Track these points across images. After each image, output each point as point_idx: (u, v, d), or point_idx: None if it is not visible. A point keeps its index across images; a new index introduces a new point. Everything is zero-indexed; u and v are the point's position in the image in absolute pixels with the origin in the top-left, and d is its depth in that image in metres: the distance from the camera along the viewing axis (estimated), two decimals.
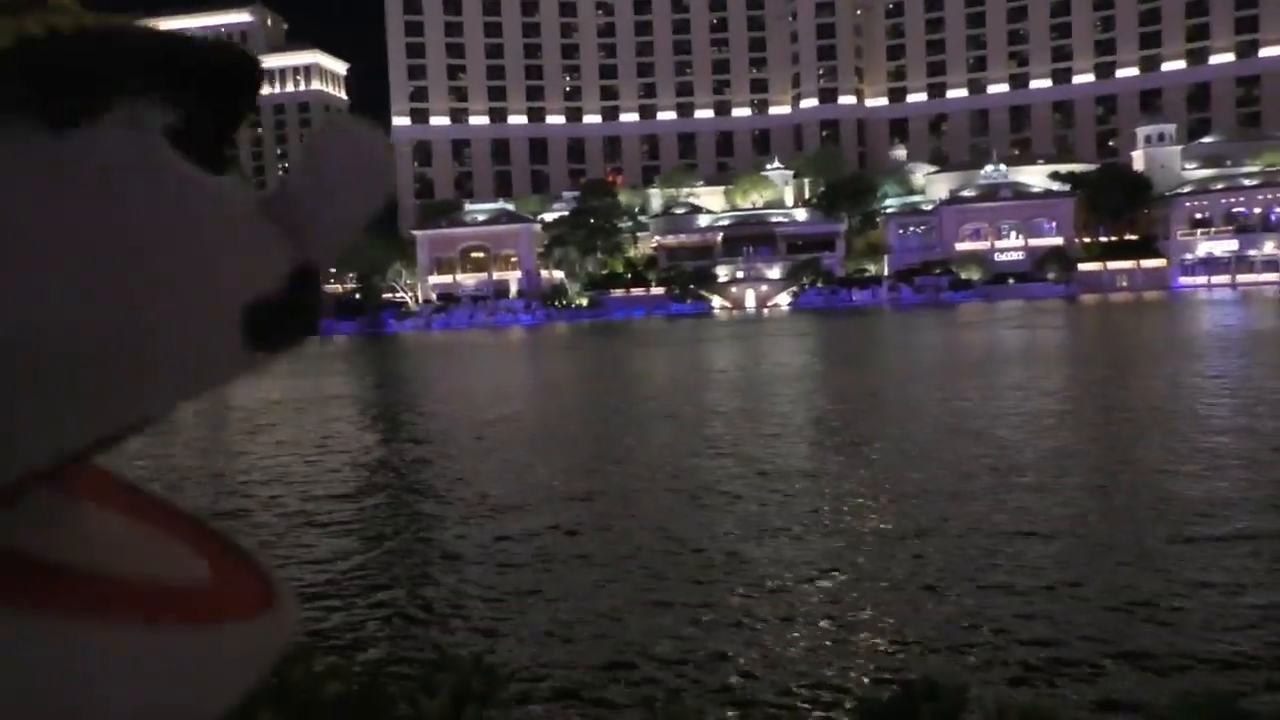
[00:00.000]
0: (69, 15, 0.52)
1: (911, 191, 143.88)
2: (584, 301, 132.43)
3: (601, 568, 12.49)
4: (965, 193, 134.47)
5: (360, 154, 0.61)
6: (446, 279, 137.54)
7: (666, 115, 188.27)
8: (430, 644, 9.66)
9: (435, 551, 13.94)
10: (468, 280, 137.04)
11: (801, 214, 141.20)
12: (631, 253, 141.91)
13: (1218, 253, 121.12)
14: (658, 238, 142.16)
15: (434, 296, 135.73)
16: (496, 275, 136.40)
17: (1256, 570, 11.22)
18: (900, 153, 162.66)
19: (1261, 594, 10.43)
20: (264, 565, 0.65)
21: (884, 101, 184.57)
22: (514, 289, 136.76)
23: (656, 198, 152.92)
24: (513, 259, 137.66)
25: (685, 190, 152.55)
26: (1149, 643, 9.23)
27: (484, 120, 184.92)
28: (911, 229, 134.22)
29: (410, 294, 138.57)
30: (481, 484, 18.74)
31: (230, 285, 0.54)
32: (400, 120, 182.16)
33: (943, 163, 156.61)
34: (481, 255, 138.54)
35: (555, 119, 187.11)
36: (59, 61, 0.49)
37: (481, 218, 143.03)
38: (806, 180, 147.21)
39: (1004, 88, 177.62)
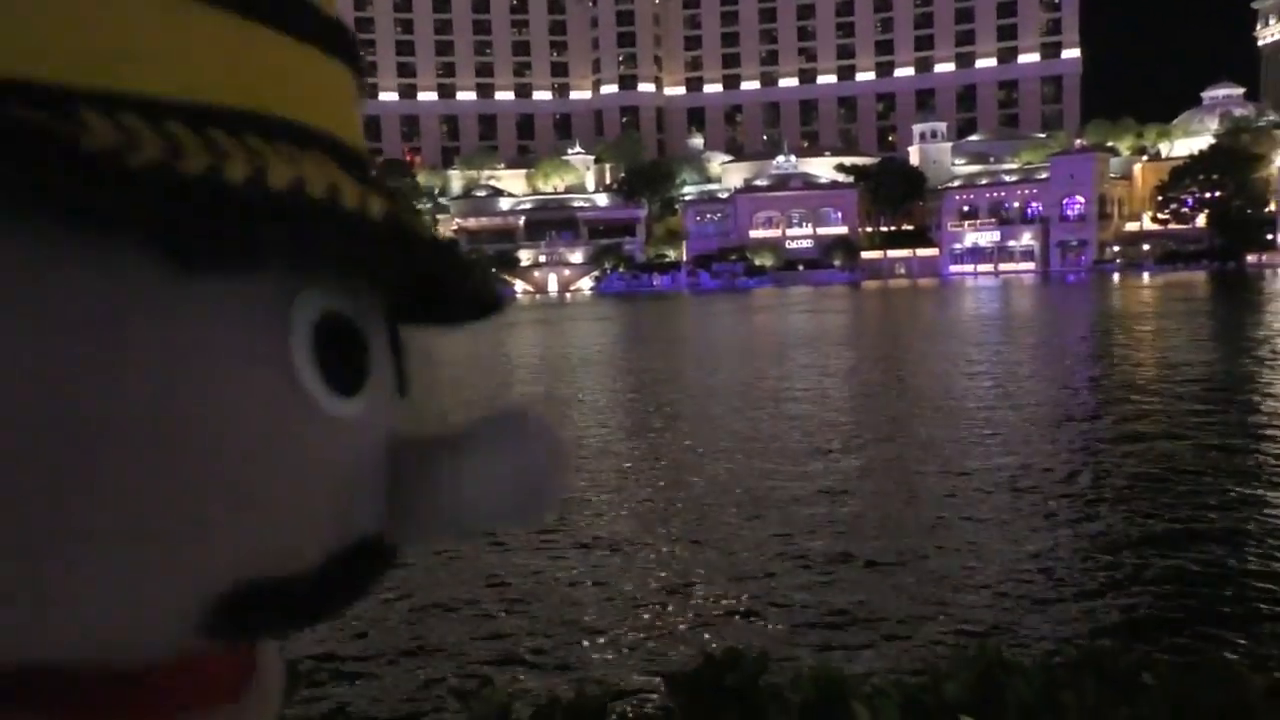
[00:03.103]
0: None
1: (708, 179, 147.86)
2: None
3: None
4: (758, 182, 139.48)
5: (535, 460, 0.50)
6: None
7: (466, 95, 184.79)
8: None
9: None
10: None
11: (603, 199, 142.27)
12: None
13: (983, 243, 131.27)
14: (458, 220, 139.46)
15: None
16: None
17: (1013, 521, 11.98)
18: (698, 141, 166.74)
19: (1016, 547, 11.10)
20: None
21: (682, 90, 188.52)
22: None
23: (457, 179, 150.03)
24: None
25: (486, 172, 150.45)
26: (920, 594, 9.60)
27: None
28: (708, 216, 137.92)
29: None
30: None
31: (246, 555, 0.43)
32: None
33: (738, 152, 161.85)
34: None
35: None
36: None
37: None
38: (608, 165, 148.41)
39: (794, 82, 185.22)
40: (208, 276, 0.40)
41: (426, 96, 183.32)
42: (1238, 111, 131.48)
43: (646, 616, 9.67)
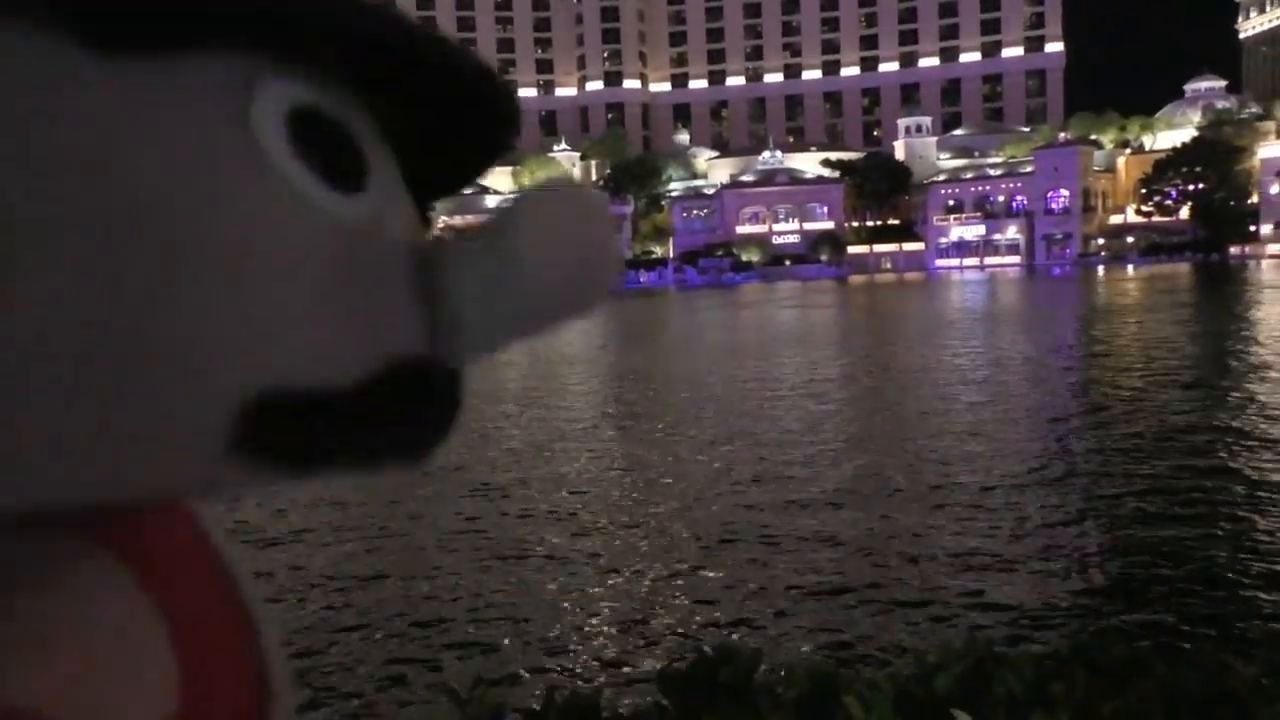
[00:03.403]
0: None
1: (694, 175, 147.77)
2: None
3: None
4: (744, 178, 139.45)
5: (580, 224, 0.45)
6: None
7: None
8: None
9: None
10: None
11: None
12: None
13: (968, 237, 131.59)
14: (444, 218, 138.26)
15: None
16: None
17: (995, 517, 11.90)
18: (683, 137, 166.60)
19: (1004, 540, 11.02)
20: (245, 690, 0.51)
21: (667, 87, 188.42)
22: None
23: None
24: None
25: None
26: (907, 583, 9.51)
27: None
28: (695, 212, 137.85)
29: None
30: None
31: (250, 358, 0.39)
32: None
33: (723, 148, 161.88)
34: None
35: None
36: None
37: None
38: (594, 162, 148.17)
39: (779, 77, 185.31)
40: (135, 60, 0.38)
41: None
42: (1220, 104, 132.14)
43: (638, 613, 9.54)
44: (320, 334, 0.41)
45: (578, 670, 8.25)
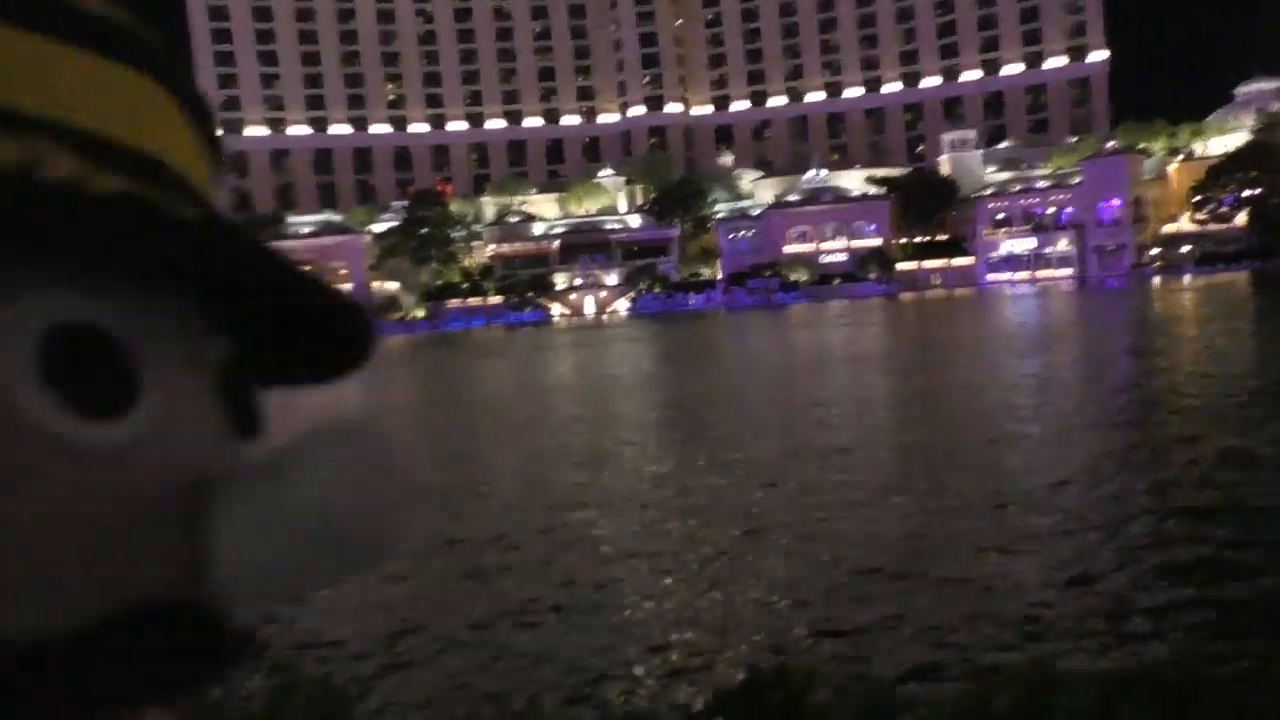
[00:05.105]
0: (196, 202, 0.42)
1: (739, 196, 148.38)
2: (420, 313, 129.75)
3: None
4: (790, 197, 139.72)
5: (369, 466, 0.41)
6: None
7: (495, 123, 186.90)
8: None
9: None
10: None
11: (635, 220, 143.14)
12: (467, 262, 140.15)
13: (1018, 250, 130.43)
14: (493, 246, 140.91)
15: None
16: None
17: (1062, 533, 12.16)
18: (727, 159, 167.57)
19: (1067, 563, 11.29)
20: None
21: (709, 109, 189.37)
22: None
23: (489, 206, 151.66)
24: (342, 272, 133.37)
25: (518, 198, 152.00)
26: (966, 604, 9.83)
27: (304, 130, 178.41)
28: (741, 233, 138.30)
29: None
30: None
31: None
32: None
33: (767, 168, 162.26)
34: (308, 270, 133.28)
35: (380, 128, 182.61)
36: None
37: (306, 230, 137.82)
38: (638, 187, 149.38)
39: (820, 96, 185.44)
40: None
41: (456, 126, 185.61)
42: (1274, 106, 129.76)
43: (693, 633, 9.96)
44: (43, 580, 0.37)
45: (634, 682, 8.69)
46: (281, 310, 0.43)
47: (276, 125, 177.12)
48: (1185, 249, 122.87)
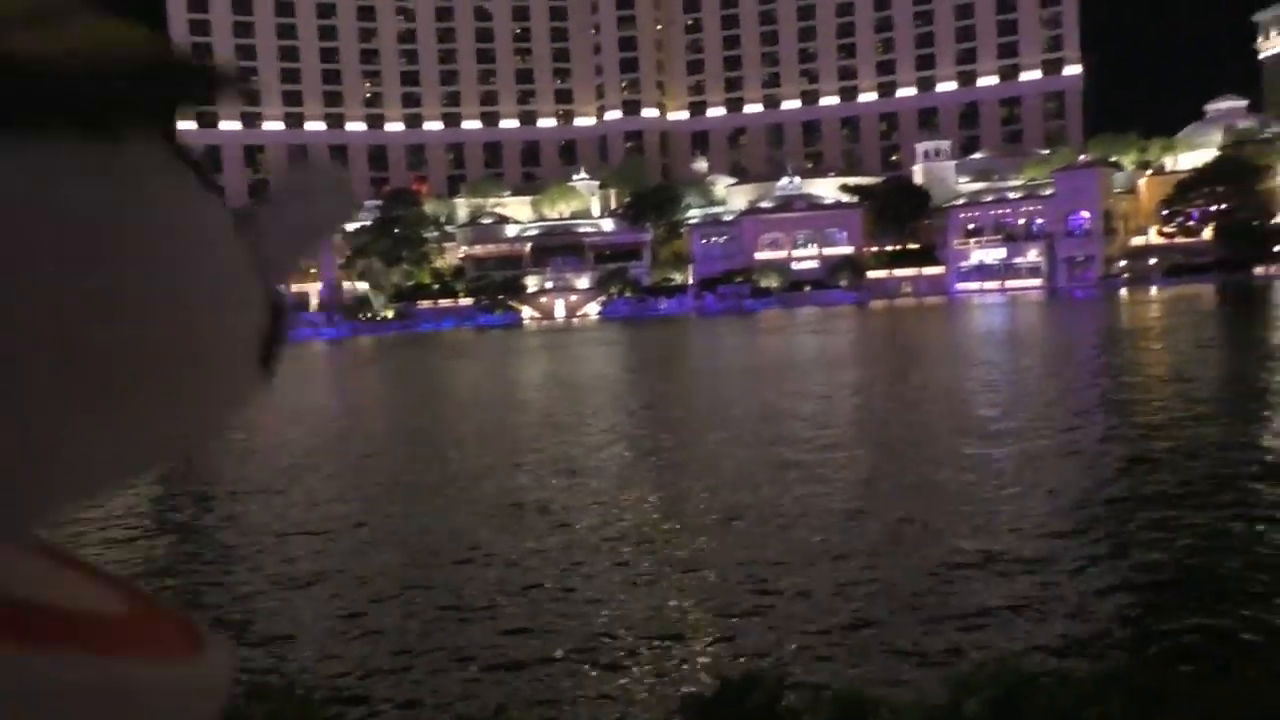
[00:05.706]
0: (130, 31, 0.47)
1: (713, 202, 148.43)
2: (390, 313, 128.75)
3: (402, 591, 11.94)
4: (763, 204, 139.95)
5: (319, 181, 0.62)
6: None
7: (471, 124, 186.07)
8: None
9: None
10: None
11: (608, 224, 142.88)
12: (439, 263, 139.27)
13: (989, 260, 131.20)
14: (465, 248, 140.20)
15: None
16: (295, 287, 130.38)
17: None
18: (702, 164, 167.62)
19: (1040, 565, 11.13)
20: (185, 615, 0.56)
21: (685, 115, 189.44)
22: (314, 302, 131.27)
23: (463, 207, 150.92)
24: (311, 270, 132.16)
25: (492, 200, 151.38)
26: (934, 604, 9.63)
27: (278, 125, 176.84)
28: (714, 239, 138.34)
29: None
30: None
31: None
32: (182, 124, 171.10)
33: (742, 175, 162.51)
34: None
35: (356, 125, 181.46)
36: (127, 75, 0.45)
37: None
38: (613, 191, 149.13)
39: (796, 104, 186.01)
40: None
41: (432, 126, 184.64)
42: (1241, 124, 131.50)
43: (662, 640, 9.71)
44: (259, 279, 0.54)
45: (602, 690, 8.42)
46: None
47: (251, 120, 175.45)
48: (1153, 261, 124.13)
